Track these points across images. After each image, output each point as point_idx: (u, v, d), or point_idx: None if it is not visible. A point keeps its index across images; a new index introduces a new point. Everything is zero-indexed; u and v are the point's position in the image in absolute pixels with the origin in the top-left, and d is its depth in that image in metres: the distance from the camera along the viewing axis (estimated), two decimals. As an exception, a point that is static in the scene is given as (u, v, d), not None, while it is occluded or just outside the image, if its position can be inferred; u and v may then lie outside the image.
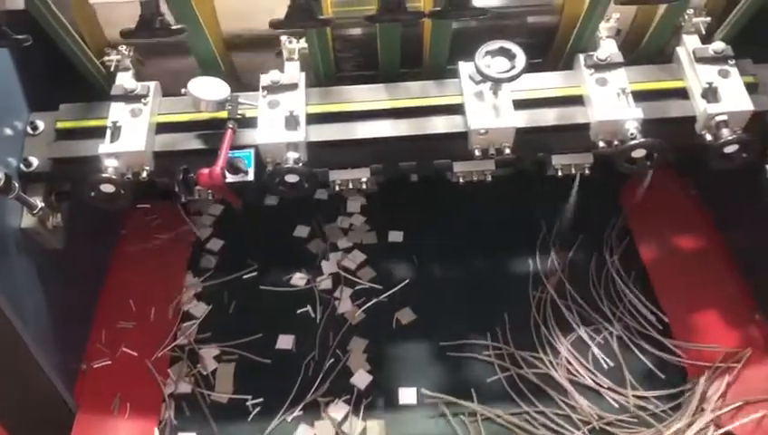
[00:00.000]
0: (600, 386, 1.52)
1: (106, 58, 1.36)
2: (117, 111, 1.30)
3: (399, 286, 1.70)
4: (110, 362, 1.60)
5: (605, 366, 1.56)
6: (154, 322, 1.69)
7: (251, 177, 1.26)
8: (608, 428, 1.45)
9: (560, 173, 1.38)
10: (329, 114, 1.33)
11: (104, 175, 1.22)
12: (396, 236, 1.82)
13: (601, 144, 1.28)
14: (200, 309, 1.70)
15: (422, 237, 1.83)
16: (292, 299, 1.70)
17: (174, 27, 1.05)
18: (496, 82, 1.25)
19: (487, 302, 1.68)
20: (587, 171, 1.38)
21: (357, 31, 1.44)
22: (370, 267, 1.75)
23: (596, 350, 1.58)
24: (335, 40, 1.41)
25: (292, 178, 1.24)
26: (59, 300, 1.46)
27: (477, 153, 1.28)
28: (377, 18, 1.08)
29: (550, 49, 1.45)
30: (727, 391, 1.46)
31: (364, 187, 1.39)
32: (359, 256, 1.77)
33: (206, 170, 1.16)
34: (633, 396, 1.48)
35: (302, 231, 1.83)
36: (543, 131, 1.31)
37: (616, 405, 1.49)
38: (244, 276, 1.75)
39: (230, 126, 1.24)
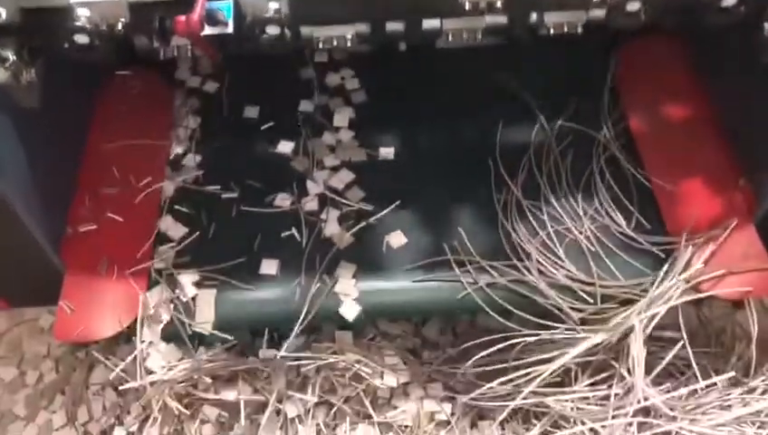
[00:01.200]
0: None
1: None
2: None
3: (390, 208, 1.62)
4: (95, 227, 1.60)
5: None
6: (137, 188, 1.67)
7: (230, 29, 1.20)
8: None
9: (551, 32, 1.34)
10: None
11: (77, 24, 1.16)
12: (386, 153, 1.72)
13: (595, -1, 1.23)
14: (178, 231, 1.60)
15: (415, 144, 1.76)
16: (276, 221, 1.61)
17: None
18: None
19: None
20: (579, 30, 1.33)
21: None
22: (359, 187, 1.66)
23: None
24: None
25: (273, 31, 1.19)
26: (40, 161, 1.44)
27: (468, 6, 1.23)
28: None
29: None
30: (710, 259, 1.48)
31: (348, 44, 1.34)
32: (347, 176, 1.67)
33: (183, 18, 1.11)
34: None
35: (285, 147, 1.71)
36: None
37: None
38: (224, 195, 1.65)
39: (207, -27, 1.18)
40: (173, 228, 1.60)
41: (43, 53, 1.31)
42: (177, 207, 1.62)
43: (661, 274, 1.47)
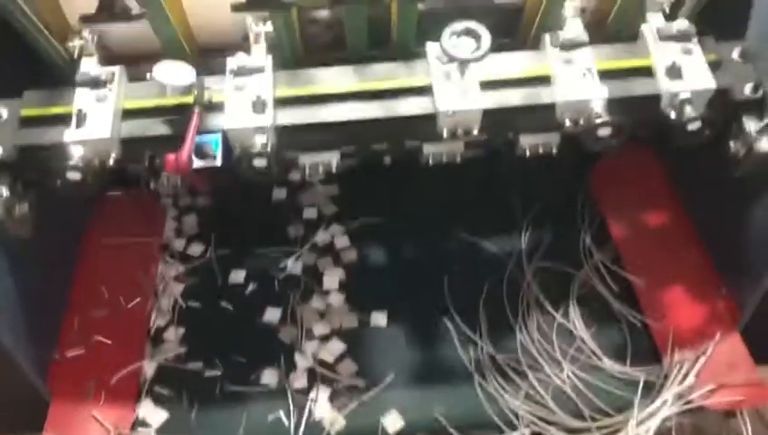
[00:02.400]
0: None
1: (69, 44, 1.34)
2: (82, 98, 1.28)
3: (384, 384, 1.51)
4: (83, 351, 1.59)
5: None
6: (127, 309, 1.68)
7: (218, 162, 1.25)
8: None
9: (527, 153, 1.39)
10: (296, 97, 1.32)
11: (70, 163, 1.21)
12: (379, 319, 1.62)
13: (568, 123, 1.29)
14: (158, 417, 1.49)
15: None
16: (263, 402, 1.49)
17: (134, 12, 1.03)
18: (462, 63, 1.25)
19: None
20: (554, 150, 1.39)
21: (324, 13, 1.43)
22: (351, 359, 1.55)
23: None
24: (302, 22, 1.40)
25: (260, 163, 1.24)
26: (29, 289, 1.45)
27: (446, 134, 1.29)
28: (340, 0, 1.08)
29: (516, 28, 1.45)
30: (699, 371, 1.49)
31: (334, 169, 1.39)
32: (337, 347, 1.57)
33: (172, 156, 1.15)
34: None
35: (272, 315, 1.62)
36: (510, 112, 1.31)
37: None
38: (207, 373, 1.54)
39: (196, 111, 1.23)
40: (153, 414, 1.50)
41: (36, 186, 1.35)
42: (157, 388, 1.53)
43: (653, 394, 1.48)
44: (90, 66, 1.32)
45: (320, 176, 1.41)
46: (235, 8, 1.04)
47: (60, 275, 1.68)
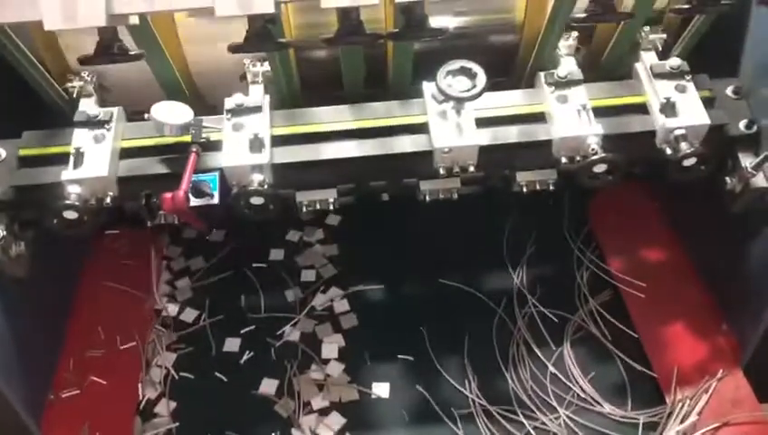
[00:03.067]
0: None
1: (68, 84, 1.35)
2: (80, 138, 1.29)
3: None
4: (78, 392, 1.57)
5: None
6: (123, 350, 1.66)
7: (216, 200, 1.25)
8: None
9: (524, 190, 1.39)
10: (294, 136, 1.34)
11: (67, 202, 1.21)
12: (381, 391, 1.54)
13: (564, 160, 1.30)
14: None
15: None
16: None
17: (133, 53, 1.05)
18: (458, 102, 1.26)
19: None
20: (551, 187, 1.39)
21: (321, 53, 1.45)
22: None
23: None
24: (299, 62, 1.42)
25: (257, 201, 1.24)
26: (25, 329, 1.44)
27: (442, 172, 1.30)
28: (336, 41, 1.09)
29: (512, 67, 1.47)
30: (703, 409, 1.46)
31: (331, 207, 1.39)
32: (336, 421, 1.49)
33: (169, 195, 1.15)
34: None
35: (268, 387, 1.54)
36: (507, 149, 1.32)
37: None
38: None
39: (193, 150, 1.24)
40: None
41: (34, 226, 1.35)
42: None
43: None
44: (88, 106, 1.33)
45: (317, 211, 1.39)
46: (233, 50, 1.06)
47: (56, 313, 1.67)
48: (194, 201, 1.24)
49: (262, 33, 1.02)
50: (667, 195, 1.80)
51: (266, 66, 1.35)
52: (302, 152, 1.32)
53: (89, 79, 1.35)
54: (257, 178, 1.24)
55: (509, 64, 1.47)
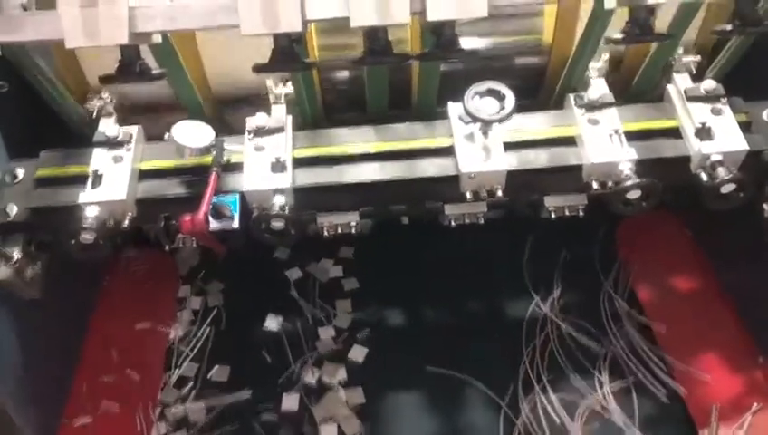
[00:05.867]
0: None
1: (88, 104, 1.33)
2: (98, 158, 1.27)
3: None
4: (90, 419, 1.53)
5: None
6: (137, 376, 1.62)
7: (236, 224, 1.22)
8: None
9: (553, 215, 1.35)
10: (316, 158, 1.30)
11: (84, 224, 1.18)
12: None
13: (595, 185, 1.25)
14: None
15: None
16: None
17: (155, 72, 1.02)
18: (486, 124, 1.22)
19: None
20: (581, 213, 1.34)
21: (344, 74, 1.43)
22: None
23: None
24: (322, 83, 1.39)
25: (278, 224, 1.20)
26: (39, 354, 1.40)
27: (469, 196, 1.25)
28: (363, 62, 1.06)
29: (539, 89, 1.44)
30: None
31: (353, 231, 1.35)
32: None
33: (188, 217, 1.12)
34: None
35: None
36: (535, 173, 1.28)
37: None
38: None
39: (214, 171, 1.21)
40: None
41: (50, 248, 1.32)
42: None
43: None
44: (107, 126, 1.30)
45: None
46: (257, 69, 1.03)
47: (71, 337, 1.64)
48: (213, 224, 1.21)
49: (288, 53, 0.99)
50: (700, 223, 1.74)
51: (289, 87, 1.32)
52: (324, 175, 1.28)
53: (109, 99, 1.33)
54: (279, 200, 1.21)
55: (537, 86, 1.43)
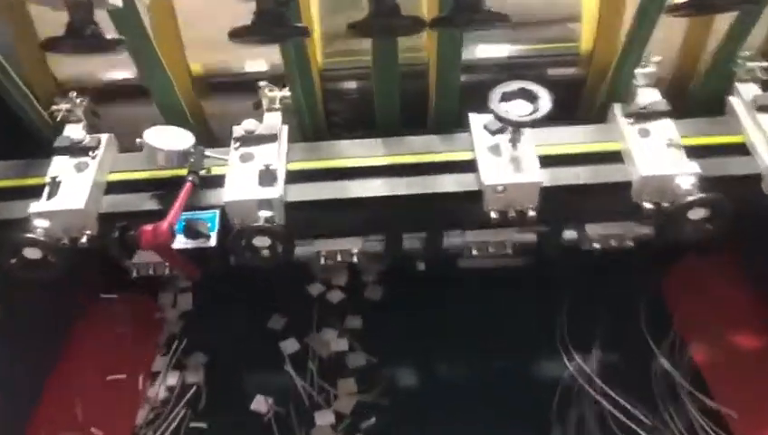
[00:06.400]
0: None
1: (54, 107, 1.15)
2: (59, 166, 1.08)
3: None
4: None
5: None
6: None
7: (213, 242, 1.01)
8: None
9: (596, 246, 1.13)
10: (314, 172, 1.11)
11: (29, 236, 0.98)
12: None
13: (647, 205, 1.04)
14: None
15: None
16: None
17: (110, 38, 0.83)
18: (516, 129, 1.02)
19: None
20: (629, 243, 1.12)
21: (350, 84, 1.24)
22: None
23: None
24: (326, 94, 1.21)
25: (262, 241, 0.99)
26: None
27: (494, 215, 1.04)
28: (366, 25, 0.87)
29: (575, 104, 1.24)
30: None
31: (355, 260, 1.13)
32: None
33: (149, 227, 0.91)
34: None
35: None
36: (574, 192, 1.07)
37: None
38: None
39: (190, 179, 1.02)
40: None
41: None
42: None
43: None
44: (73, 132, 1.12)
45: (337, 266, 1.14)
46: (234, 34, 0.84)
47: (23, 395, 1.40)
48: (186, 242, 1.01)
49: (273, 15, 0.80)
50: (758, 263, 1.49)
51: (285, 92, 1.14)
52: (322, 190, 1.08)
53: (78, 102, 1.15)
54: (265, 214, 1.00)
55: (571, 101, 1.24)
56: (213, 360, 1.56)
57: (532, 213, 1.04)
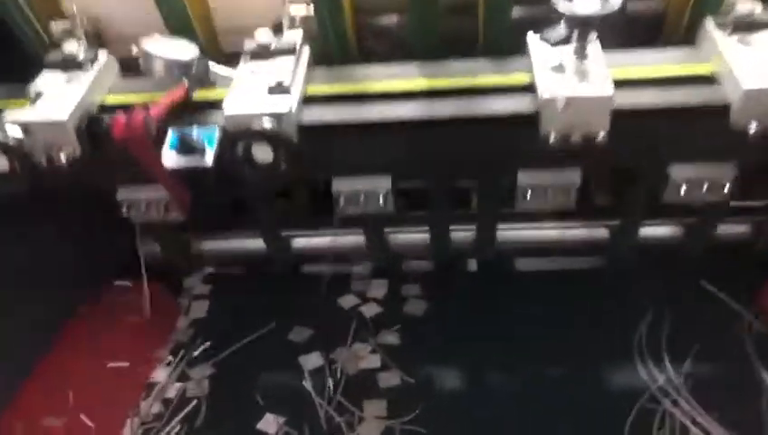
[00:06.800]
0: None
1: (53, 23, 1.02)
2: (47, 81, 0.94)
3: None
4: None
5: None
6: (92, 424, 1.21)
7: (208, 159, 0.84)
8: None
9: (683, 190, 0.90)
10: (337, 96, 0.93)
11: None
12: None
13: (753, 129, 0.81)
14: None
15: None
16: None
17: None
18: (584, 31, 0.83)
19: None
20: (725, 190, 0.89)
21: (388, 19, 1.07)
22: None
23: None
24: (358, 27, 1.04)
25: (263, 152, 0.81)
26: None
27: (554, 138, 0.83)
28: None
29: (656, 36, 1.03)
30: None
31: (381, 202, 0.94)
32: None
33: (123, 117, 0.75)
34: None
35: None
36: (656, 117, 0.85)
37: None
38: None
39: (185, 83, 0.85)
40: None
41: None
42: None
43: None
44: (70, 47, 0.98)
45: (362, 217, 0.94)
46: None
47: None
48: (179, 160, 0.84)
49: None
50: None
51: (310, 10, 0.97)
52: (344, 112, 0.90)
53: (78, 21, 1.01)
54: (269, 124, 0.82)
55: (652, 33, 1.03)
56: (221, 372, 1.36)
57: (602, 134, 0.82)
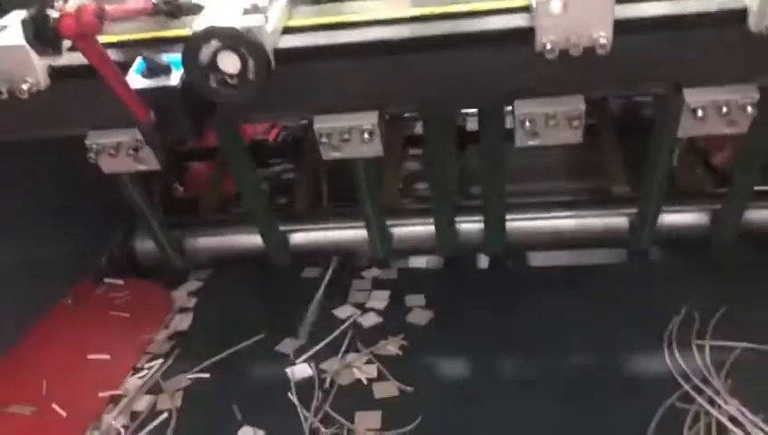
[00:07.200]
0: None
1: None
2: (14, 18, 0.89)
3: None
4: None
5: None
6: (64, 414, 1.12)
7: (174, 80, 0.78)
8: None
9: (699, 114, 0.80)
10: (318, 26, 0.86)
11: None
12: None
13: (775, 32, 0.72)
14: None
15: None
16: None
17: None
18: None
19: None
20: (749, 111, 0.80)
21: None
22: None
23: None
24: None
25: (229, 64, 0.74)
26: None
27: (549, 50, 0.75)
28: None
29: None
30: None
31: (367, 138, 0.86)
32: None
33: (72, 12, 0.68)
34: None
35: None
36: (666, 27, 0.77)
37: None
38: None
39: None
40: None
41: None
42: None
43: None
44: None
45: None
46: None
47: None
48: (144, 82, 0.78)
49: None
50: None
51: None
52: (324, 37, 0.83)
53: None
54: (237, 28, 0.76)
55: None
56: (198, 385, 1.23)
57: (602, 47, 0.74)
